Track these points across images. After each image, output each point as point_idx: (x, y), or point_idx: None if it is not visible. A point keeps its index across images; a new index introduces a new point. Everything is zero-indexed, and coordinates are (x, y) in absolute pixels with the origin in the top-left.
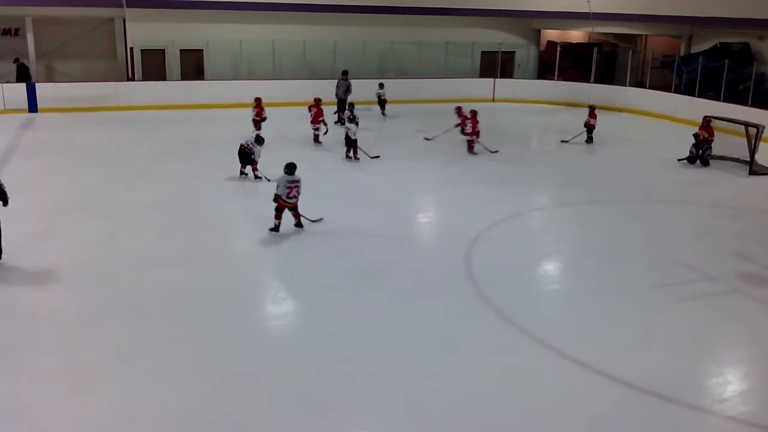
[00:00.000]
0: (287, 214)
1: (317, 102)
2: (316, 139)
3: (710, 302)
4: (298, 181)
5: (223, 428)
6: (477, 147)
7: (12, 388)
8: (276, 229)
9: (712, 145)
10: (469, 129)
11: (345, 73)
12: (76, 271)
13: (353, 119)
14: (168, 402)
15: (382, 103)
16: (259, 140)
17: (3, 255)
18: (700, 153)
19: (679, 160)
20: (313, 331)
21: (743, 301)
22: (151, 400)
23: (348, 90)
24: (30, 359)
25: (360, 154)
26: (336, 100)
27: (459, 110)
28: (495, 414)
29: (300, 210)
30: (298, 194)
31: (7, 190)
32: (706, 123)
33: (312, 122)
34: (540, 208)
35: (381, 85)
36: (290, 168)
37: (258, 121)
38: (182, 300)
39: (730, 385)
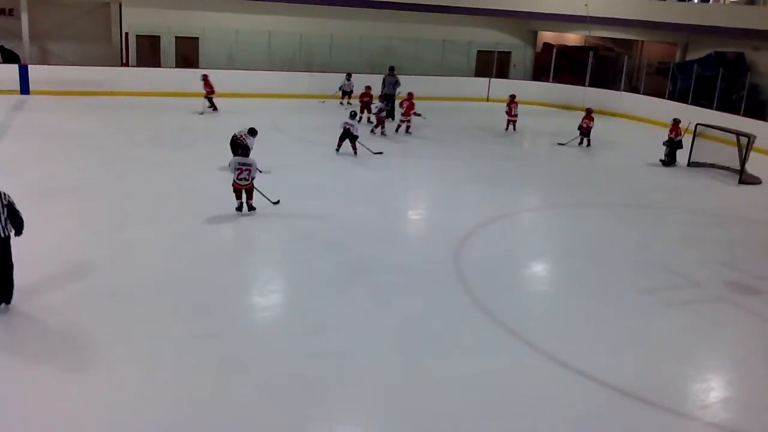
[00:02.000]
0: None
1: (410, 96)
2: (408, 129)
3: (696, 308)
4: (249, 164)
5: (209, 419)
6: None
7: (4, 377)
8: (239, 208)
9: (678, 145)
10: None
11: (392, 69)
12: (65, 255)
13: (381, 110)
14: (154, 392)
15: (347, 93)
16: (252, 132)
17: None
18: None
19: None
20: (301, 325)
21: (729, 308)
22: (138, 389)
23: (396, 84)
24: (17, 342)
25: (360, 149)
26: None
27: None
28: (479, 412)
29: (262, 193)
30: (249, 176)
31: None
32: (675, 123)
33: (403, 114)
34: (530, 209)
35: (349, 76)
36: (243, 150)
37: (210, 98)
38: (170, 289)
39: (713, 391)
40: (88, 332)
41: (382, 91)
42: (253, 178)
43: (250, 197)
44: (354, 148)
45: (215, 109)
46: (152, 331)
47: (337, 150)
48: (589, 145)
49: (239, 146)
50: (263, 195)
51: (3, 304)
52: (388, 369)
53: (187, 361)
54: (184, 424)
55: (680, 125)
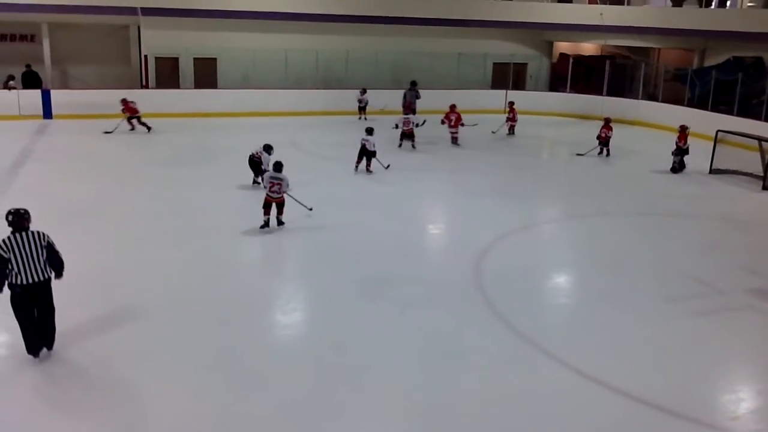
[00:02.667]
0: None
1: (453, 108)
2: (456, 141)
3: (720, 317)
4: (280, 179)
5: None
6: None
7: (20, 395)
8: (264, 225)
9: (687, 153)
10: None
11: (414, 83)
12: (86, 275)
13: (371, 132)
14: (175, 406)
15: (362, 109)
16: (268, 148)
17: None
18: (677, 160)
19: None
20: (322, 340)
21: (754, 316)
22: (159, 404)
23: (417, 98)
24: (38, 361)
25: (373, 164)
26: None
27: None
28: (500, 424)
29: (297, 203)
30: (280, 191)
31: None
32: (682, 130)
33: (452, 126)
34: (550, 220)
35: (363, 91)
36: (276, 166)
37: (133, 119)
38: (191, 306)
39: (743, 402)
40: (107, 351)
41: (403, 105)
42: (284, 192)
43: (280, 212)
44: (369, 164)
45: (148, 129)
46: (174, 349)
47: (356, 168)
48: (608, 155)
49: (257, 164)
50: (298, 202)
51: (44, 350)
52: (409, 383)
53: (209, 378)
54: None
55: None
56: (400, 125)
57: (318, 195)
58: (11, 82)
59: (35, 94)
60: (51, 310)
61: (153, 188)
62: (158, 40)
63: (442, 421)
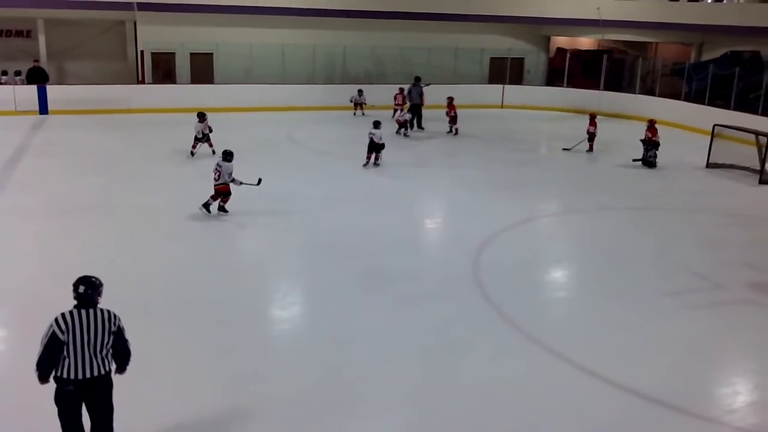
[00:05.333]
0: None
1: (451, 99)
2: (453, 130)
3: (720, 311)
4: (220, 167)
5: (231, 428)
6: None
7: (25, 388)
8: (205, 206)
9: (659, 147)
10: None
11: (418, 79)
12: (85, 271)
13: (378, 125)
14: (176, 402)
15: (359, 104)
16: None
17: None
18: (646, 154)
19: (633, 160)
20: (322, 334)
21: (753, 310)
22: (158, 401)
23: (422, 95)
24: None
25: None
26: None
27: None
28: (500, 420)
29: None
30: (219, 177)
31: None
32: (651, 124)
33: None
34: (549, 215)
35: (360, 93)
36: (223, 154)
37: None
38: (191, 302)
39: (740, 395)
40: None
41: (410, 102)
42: (227, 182)
43: (222, 199)
44: (377, 158)
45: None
46: (173, 345)
47: (366, 163)
48: (590, 150)
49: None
50: (246, 183)
51: None
52: (410, 377)
53: (210, 373)
54: None
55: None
56: (400, 115)
57: (316, 190)
58: (4, 77)
59: (31, 90)
60: (109, 413)
61: (151, 184)
62: (154, 35)
63: (442, 415)
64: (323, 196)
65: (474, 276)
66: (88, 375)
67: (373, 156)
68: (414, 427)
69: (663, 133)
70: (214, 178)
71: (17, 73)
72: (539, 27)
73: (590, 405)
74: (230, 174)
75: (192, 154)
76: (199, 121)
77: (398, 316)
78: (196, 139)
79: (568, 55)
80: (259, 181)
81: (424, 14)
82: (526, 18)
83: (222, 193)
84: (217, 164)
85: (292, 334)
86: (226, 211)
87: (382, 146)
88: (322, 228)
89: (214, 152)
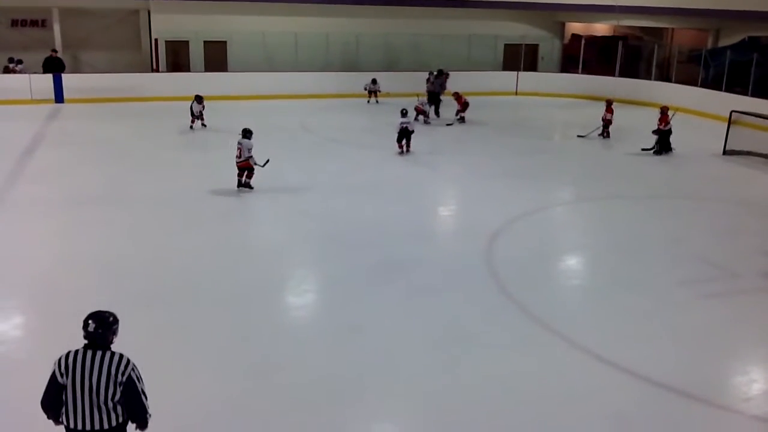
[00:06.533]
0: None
1: (457, 95)
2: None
3: (735, 300)
4: (240, 143)
5: (245, 416)
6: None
7: (43, 374)
8: (238, 185)
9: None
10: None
11: (440, 71)
12: (102, 261)
13: (406, 113)
14: (189, 392)
15: (374, 92)
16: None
17: None
18: (660, 145)
19: (642, 149)
20: (335, 324)
21: None
22: (173, 390)
23: (442, 87)
24: (54, 346)
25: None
26: (427, 93)
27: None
28: (516, 409)
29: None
30: (240, 155)
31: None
32: (663, 112)
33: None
34: (562, 203)
35: (374, 82)
36: (243, 132)
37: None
38: (205, 291)
39: (755, 383)
40: (123, 337)
41: (428, 91)
42: (247, 158)
43: (247, 175)
44: (408, 145)
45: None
46: (187, 333)
47: (401, 152)
48: (608, 136)
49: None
50: (258, 165)
51: None
52: (424, 367)
53: (224, 363)
54: (220, 425)
55: (668, 113)
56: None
57: (329, 178)
58: (19, 66)
59: (47, 79)
60: None
61: (166, 173)
62: (168, 24)
63: (457, 405)
64: (336, 184)
65: (487, 265)
66: (88, 428)
67: (404, 143)
68: (427, 416)
69: (680, 120)
70: (236, 156)
71: (19, 62)
72: (554, 13)
73: (605, 393)
74: (250, 150)
75: (191, 128)
76: (198, 103)
77: (412, 306)
78: (195, 117)
79: (583, 41)
80: (266, 162)
81: (438, 1)
82: (541, 4)
83: (244, 168)
84: (238, 142)
85: (307, 323)
86: (251, 187)
87: (412, 132)
88: (334, 216)
89: (204, 125)
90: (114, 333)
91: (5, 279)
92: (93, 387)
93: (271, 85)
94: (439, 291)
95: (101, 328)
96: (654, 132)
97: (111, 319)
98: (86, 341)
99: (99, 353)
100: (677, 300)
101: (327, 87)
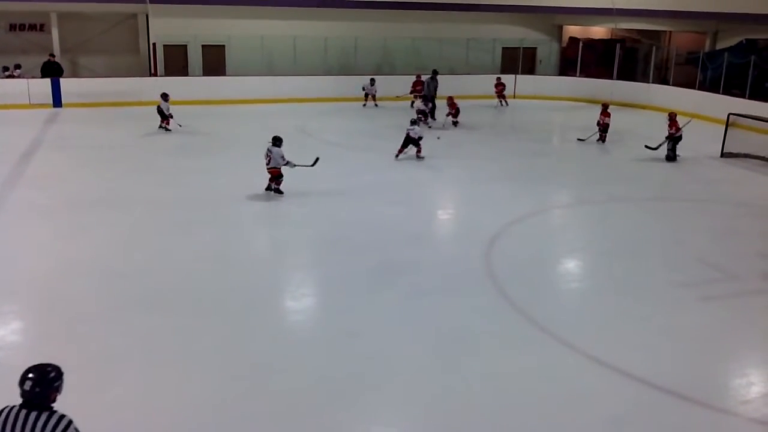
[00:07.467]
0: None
1: (450, 99)
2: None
3: (733, 302)
4: (270, 152)
5: (242, 421)
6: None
7: None
8: (268, 188)
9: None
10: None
11: (435, 72)
12: (100, 265)
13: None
14: (187, 395)
15: (371, 96)
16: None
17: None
18: (669, 150)
19: (646, 146)
20: (334, 327)
21: (767, 301)
22: (171, 393)
23: (436, 88)
24: (53, 351)
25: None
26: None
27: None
28: (514, 411)
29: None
30: (270, 162)
31: None
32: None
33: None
34: (561, 206)
35: (372, 81)
36: (273, 140)
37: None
38: (203, 295)
39: (754, 386)
40: (122, 341)
41: (425, 95)
42: (279, 166)
43: (275, 182)
44: (419, 150)
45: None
46: (185, 337)
47: (397, 156)
48: (604, 141)
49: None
50: (301, 165)
51: None
52: (422, 370)
53: (221, 366)
54: (218, 429)
55: (678, 120)
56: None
57: (327, 182)
58: (18, 71)
59: (45, 83)
60: None
61: (164, 177)
62: (166, 28)
63: (456, 408)
64: (335, 187)
65: (486, 268)
66: None
67: (406, 149)
68: (426, 419)
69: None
70: (266, 162)
71: (17, 66)
72: (552, 16)
73: (603, 395)
74: (282, 157)
75: (166, 129)
76: (164, 101)
77: (410, 309)
78: (164, 116)
79: (580, 44)
80: (316, 160)
81: (436, 5)
82: (539, 7)
83: (274, 176)
84: (267, 149)
85: (304, 327)
86: (281, 192)
87: (420, 139)
88: (333, 220)
89: (167, 130)
90: (57, 390)
91: (2, 283)
92: None
93: (269, 89)
94: (438, 294)
95: (40, 386)
96: (667, 138)
97: (53, 374)
98: (22, 400)
99: (33, 414)
100: (676, 302)
101: (326, 91)
